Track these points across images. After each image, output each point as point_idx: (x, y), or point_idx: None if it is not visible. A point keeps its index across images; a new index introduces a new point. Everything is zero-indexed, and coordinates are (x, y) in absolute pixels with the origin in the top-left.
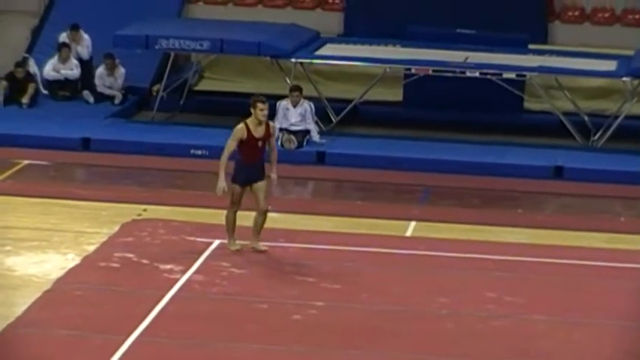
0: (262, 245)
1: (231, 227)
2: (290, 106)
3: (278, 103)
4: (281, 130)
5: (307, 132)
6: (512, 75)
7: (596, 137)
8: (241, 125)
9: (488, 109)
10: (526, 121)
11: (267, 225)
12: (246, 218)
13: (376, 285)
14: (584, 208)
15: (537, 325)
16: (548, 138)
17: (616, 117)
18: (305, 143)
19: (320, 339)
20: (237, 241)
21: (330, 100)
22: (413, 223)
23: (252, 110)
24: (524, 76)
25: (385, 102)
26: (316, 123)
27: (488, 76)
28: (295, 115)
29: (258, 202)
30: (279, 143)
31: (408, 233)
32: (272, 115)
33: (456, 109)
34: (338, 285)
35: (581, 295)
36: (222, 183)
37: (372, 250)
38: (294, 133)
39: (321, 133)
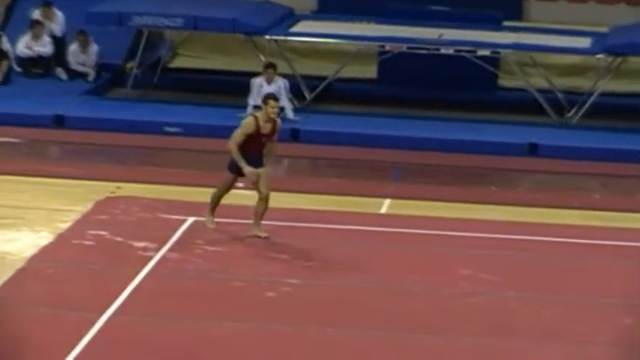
0: (263, 232)
1: (214, 205)
2: (264, 83)
3: (252, 80)
4: (255, 107)
5: (281, 109)
6: (486, 52)
7: (571, 114)
8: (251, 119)
9: (463, 86)
10: (500, 98)
11: (239, 202)
12: (243, 197)
13: (351, 262)
14: (558, 185)
15: (511, 303)
16: (523, 115)
17: (590, 94)
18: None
19: (294, 316)
20: (216, 220)
21: (304, 77)
22: (387, 201)
23: (262, 106)
24: (499, 53)
25: (359, 79)
26: (290, 100)
27: (463, 53)
28: None
29: (259, 189)
30: None
31: (383, 210)
32: (246, 92)
33: (430, 86)
34: (312, 262)
35: (556, 273)
36: (248, 168)
37: (346, 227)
38: None
39: (295, 110)
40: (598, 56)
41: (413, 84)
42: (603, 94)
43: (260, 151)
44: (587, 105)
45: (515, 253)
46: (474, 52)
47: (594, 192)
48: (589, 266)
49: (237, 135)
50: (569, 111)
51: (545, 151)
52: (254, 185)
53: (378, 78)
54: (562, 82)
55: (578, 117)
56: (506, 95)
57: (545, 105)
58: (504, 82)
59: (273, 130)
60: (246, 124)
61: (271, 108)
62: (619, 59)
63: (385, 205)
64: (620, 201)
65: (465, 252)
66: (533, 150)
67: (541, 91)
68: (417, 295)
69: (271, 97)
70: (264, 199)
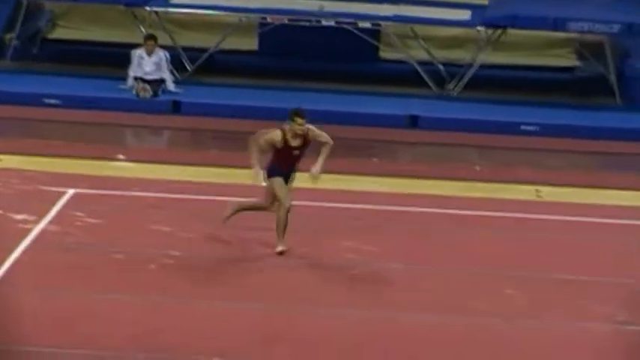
0: (284, 246)
1: (241, 211)
2: (145, 55)
3: (133, 52)
4: (135, 79)
5: (162, 81)
6: (367, 24)
7: (451, 86)
8: (278, 132)
9: (344, 58)
10: (381, 70)
11: (121, 174)
12: (123, 170)
13: (233, 234)
14: (439, 157)
15: (394, 273)
16: (404, 87)
17: (470, 66)
18: (160, 92)
19: (176, 288)
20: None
21: (185, 48)
22: None
23: (289, 121)
24: (379, 25)
25: (241, 51)
26: (171, 72)
27: (344, 25)
28: (150, 64)
29: (282, 200)
30: (134, 92)
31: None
32: (127, 63)
33: (311, 58)
34: (193, 234)
35: (437, 244)
36: (256, 168)
37: (228, 199)
38: (149, 82)
39: (176, 82)
40: (478, 28)
41: (294, 56)
42: (483, 66)
43: (292, 163)
44: (467, 77)
45: (398, 225)
46: (355, 24)
47: (475, 163)
48: (470, 237)
49: (260, 137)
50: (450, 83)
51: (426, 123)
52: (269, 196)
53: (259, 50)
54: (442, 54)
55: (458, 89)
56: (387, 67)
57: (426, 77)
58: (385, 54)
59: (305, 143)
60: (273, 135)
61: (298, 125)
62: (499, 31)
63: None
64: (499, 172)
65: (348, 224)
66: (413, 122)
67: (421, 63)
68: (302, 267)
69: (298, 113)
70: (286, 211)
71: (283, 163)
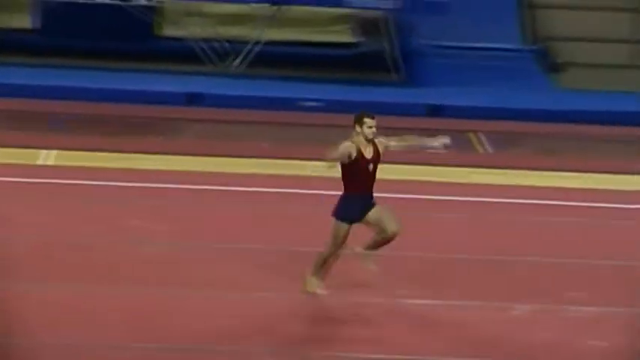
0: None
1: (323, 269)
2: None
3: None
4: None
5: None
6: (144, 1)
7: (234, 63)
8: (347, 142)
9: (125, 36)
10: (164, 48)
11: None
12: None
13: (15, 216)
14: (223, 135)
15: (186, 253)
16: (186, 64)
17: (254, 43)
18: None
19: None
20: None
21: None
22: (53, 152)
23: (357, 127)
24: (162, 2)
25: (20, 29)
26: None
27: (120, 3)
28: None
29: (387, 226)
30: None
31: (48, 162)
32: None
33: (91, 36)
34: None
35: (226, 222)
36: (345, 143)
37: (6, 179)
38: None
39: None
40: (259, 5)
41: (73, 34)
42: (267, 43)
43: (370, 183)
44: (250, 54)
45: (182, 204)
46: (131, 1)
47: (258, 140)
48: (245, 214)
49: (335, 151)
50: (233, 60)
51: (209, 100)
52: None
53: (40, 28)
54: (225, 31)
55: (241, 66)
56: (169, 45)
57: (209, 54)
58: (167, 31)
59: (378, 154)
60: (347, 145)
61: (368, 127)
62: (282, 7)
63: (51, 157)
64: (282, 149)
65: (134, 203)
66: (194, 99)
67: (205, 40)
68: (94, 247)
69: (366, 114)
70: (391, 237)
71: (360, 185)
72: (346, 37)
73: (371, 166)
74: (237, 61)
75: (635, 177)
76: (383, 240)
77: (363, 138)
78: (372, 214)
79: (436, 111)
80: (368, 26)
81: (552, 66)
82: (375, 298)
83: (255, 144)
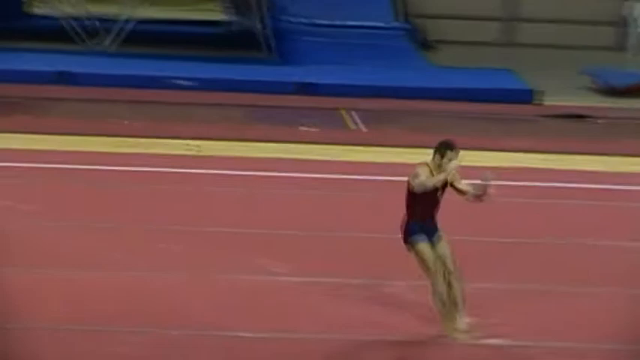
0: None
1: (450, 305)
2: None
3: None
4: None
5: None
6: None
7: (107, 42)
8: (425, 167)
9: None
10: (34, 26)
11: None
12: None
13: None
14: (91, 113)
15: (50, 232)
16: (57, 43)
17: (126, 21)
18: None
19: None
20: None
21: None
22: None
23: (436, 156)
24: None
25: None
26: None
27: None
28: None
29: (448, 268)
30: None
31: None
32: None
33: None
34: None
35: (102, 200)
36: (442, 174)
37: None
38: None
39: None
40: None
41: None
42: (139, 22)
43: (434, 212)
44: (122, 32)
45: (47, 180)
46: None
47: (126, 119)
48: (122, 193)
49: (423, 178)
50: (105, 38)
51: (80, 79)
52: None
53: None
54: (96, 9)
55: (113, 44)
56: (39, 23)
57: (80, 32)
58: (38, 9)
59: (445, 182)
60: (423, 169)
61: (449, 161)
62: None
63: None
64: (152, 127)
65: (2, 182)
66: (67, 78)
67: (75, 18)
68: None
69: (451, 145)
70: (458, 279)
71: (425, 213)
72: (218, 16)
73: (439, 193)
74: (109, 39)
75: (510, 154)
76: (456, 289)
77: (437, 166)
78: (440, 248)
79: (306, 88)
80: (240, 4)
81: (424, 43)
82: None
83: (125, 122)
